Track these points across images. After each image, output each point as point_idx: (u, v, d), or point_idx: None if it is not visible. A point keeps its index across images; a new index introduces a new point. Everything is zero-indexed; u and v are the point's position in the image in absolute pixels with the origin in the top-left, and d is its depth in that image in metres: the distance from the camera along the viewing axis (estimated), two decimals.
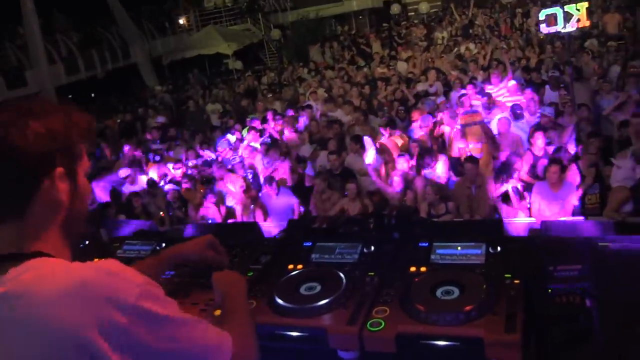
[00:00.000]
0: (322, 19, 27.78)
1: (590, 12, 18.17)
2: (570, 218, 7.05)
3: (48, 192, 1.42)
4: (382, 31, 25.14)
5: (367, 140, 9.68)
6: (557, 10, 9.89)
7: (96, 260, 1.42)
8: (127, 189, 10.64)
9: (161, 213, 9.41)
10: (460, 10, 23.97)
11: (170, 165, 11.10)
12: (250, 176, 10.15)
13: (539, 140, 8.65)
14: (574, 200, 7.45)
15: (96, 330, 1.26)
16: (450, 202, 7.96)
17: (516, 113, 10.33)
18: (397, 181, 8.12)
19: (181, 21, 29.68)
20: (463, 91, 11.96)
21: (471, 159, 8.26)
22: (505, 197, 7.78)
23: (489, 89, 12.03)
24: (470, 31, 20.94)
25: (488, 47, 17.28)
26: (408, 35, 23.17)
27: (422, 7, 26.59)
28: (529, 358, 1.93)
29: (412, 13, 28.53)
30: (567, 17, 9.60)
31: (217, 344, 1.50)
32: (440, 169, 8.98)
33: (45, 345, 1.25)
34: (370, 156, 9.34)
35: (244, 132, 12.49)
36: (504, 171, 8.43)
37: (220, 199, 9.18)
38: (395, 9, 27.78)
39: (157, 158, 11.98)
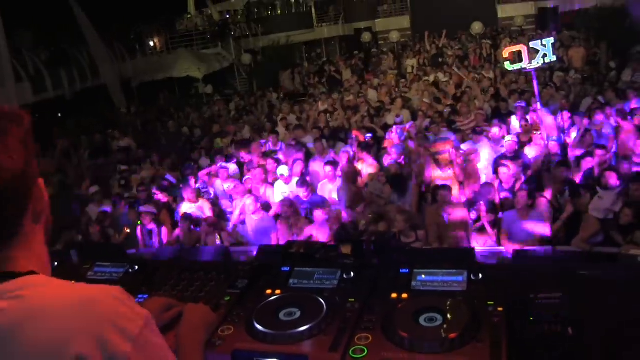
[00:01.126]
0: (293, 45, 27.94)
1: (556, 46, 18.71)
2: (540, 247, 7.10)
3: (37, 201, 1.42)
4: (352, 59, 25.34)
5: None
6: (521, 47, 10.08)
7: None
8: (92, 209, 10.45)
9: (126, 229, 9.29)
10: (431, 40, 24.29)
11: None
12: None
13: (505, 169, 8.74)
14: (543, 229, 7.52)
15: (99, 352, 1.24)
16: (420, 230, 7.98)
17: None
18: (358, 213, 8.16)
19: (152, 43, 29.59)
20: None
21: (444, 186, 8.30)
22: (480, 228, 7.85)
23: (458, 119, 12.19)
24: (440, 60, 21.23)
25: (457, 77, 17.54)
26: (378, 63, 23.39)
27: (392, 36, 26.90)
28: None
29: (382, 42, 28.86)
30: (532, 53, 9.78)
31: None
32: (408, 196, 9.02)
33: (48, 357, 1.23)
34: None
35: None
36: (475, 200, 8.50)
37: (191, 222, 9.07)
38: (366, 37, 28.08)
39: (123, 182, 11.82)
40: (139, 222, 9.28)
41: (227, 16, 33.13)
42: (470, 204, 8.39)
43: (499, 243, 7.67)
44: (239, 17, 32.06)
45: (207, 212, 9.39)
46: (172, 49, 28.29)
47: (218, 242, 8.66)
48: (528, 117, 11.56)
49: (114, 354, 1.25)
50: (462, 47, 23.17)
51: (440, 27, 24.60)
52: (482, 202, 8.16)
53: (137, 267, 2.93)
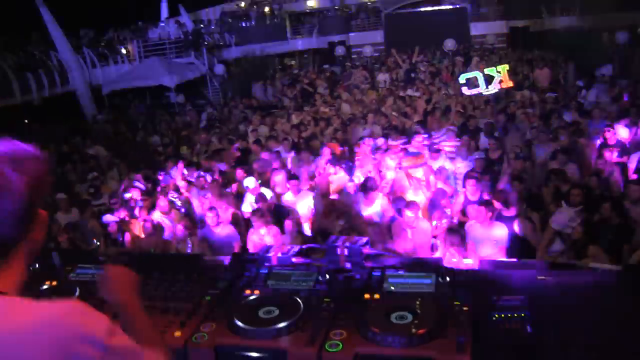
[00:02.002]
0: (266, 57, 28.06)
1: (523, 65, 19.14)
2: (505, 259, 7.28)
3: (36, 231, 1.54)
4: (325, 71, 25.53)
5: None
6: (476, 74, 10.32)
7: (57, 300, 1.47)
8: (59, 217, 10.39)
9: (96, 242, 9.25)
10: (403, 56, 24.59)
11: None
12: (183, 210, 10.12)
13: (471, 186, 8.94)
14: (504, 240, 7.70)
15: None
16: (389, 242, 8.12)
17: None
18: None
19: (124, 50, 29.44)
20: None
21: (412, 204, 8.43)
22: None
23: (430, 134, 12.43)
24: (412, 76, 21.53)
25: (429, 93, 17.82)
26: (351, 77, 23.61)
27: (366, 50, 27.19)
28: None
29: (355, 55, 29.14)
30: (488, 79, 10.02)
31: None
32: (377, 208, 9.15)
33: None
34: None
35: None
36: (434, 208, 8.69)
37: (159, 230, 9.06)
38: (340, 50, 28.31)
39: (92, 190, 11.75)
40: (112, 232, 9.25)
41: (201, 25, 33.16)
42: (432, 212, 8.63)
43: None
44: (213, 27, 32.12)
45: (177, 224, 9.41)
46: (145, 57, 28.19)
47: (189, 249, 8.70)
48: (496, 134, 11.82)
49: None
50: (434, 64, 23.51)
51: (414, 42, 24.87)
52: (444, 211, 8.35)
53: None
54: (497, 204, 8.20)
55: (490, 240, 7.72)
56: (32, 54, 24.13)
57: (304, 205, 9.38)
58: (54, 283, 2.95)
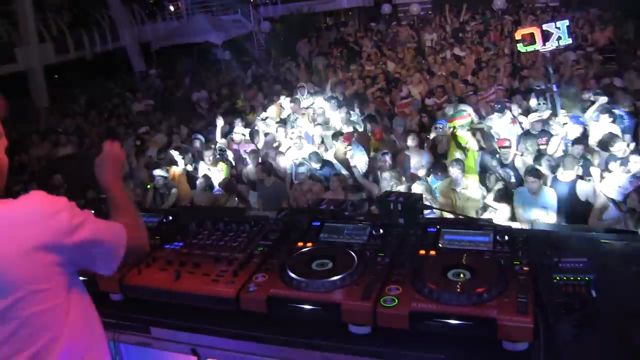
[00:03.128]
0: (312, 14, 27.75)
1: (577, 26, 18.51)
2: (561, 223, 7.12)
3: None
4: (371, 29, 25.13)
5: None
6: (533, 30, 9.95)
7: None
8: None
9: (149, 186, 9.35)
10: (452, 14, 24.03)
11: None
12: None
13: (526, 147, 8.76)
14: (553, 206, 7.52)
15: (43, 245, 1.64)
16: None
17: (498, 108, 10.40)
18: (386, 179, 8.18)
19: (172, 8, 29.49)
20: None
21: (457, 161, 8.29)
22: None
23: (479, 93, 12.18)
24: (460, 35, 21.03)
25: (477, 52, 17.43)
26: (397, 36, 23.20)
27: (412, 9, 26.64)
28: (538, 344, 1.97)
29: (402, 14, 28.61)
30: (546, 36, 9.67)
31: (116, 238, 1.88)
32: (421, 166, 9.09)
33: None
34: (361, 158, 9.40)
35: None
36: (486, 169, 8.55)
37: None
38: (386, 8, 27.82)
39: (138, 142, 11.82)
40: (149, 186, 9.32)
41: None
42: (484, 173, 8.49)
43: (512, 219, 7.69)
44: None
45: (224, 174, 9.45)
46: (191, 14, 28.20)
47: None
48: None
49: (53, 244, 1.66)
50: (482, 22, 22.90)
51: (462, 1, 24.32)
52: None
53: (170, 218, 3.02)
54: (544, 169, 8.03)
55: (538, 206, 7.56)
56: (85, 11, 24.30)
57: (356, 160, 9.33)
58: None
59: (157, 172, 9.34)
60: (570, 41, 10.11)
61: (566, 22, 9.79)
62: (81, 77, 21.43)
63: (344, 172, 9.02)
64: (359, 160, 9.31)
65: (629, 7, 19.14)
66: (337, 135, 9.88)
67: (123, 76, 22.85)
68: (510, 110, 10.55)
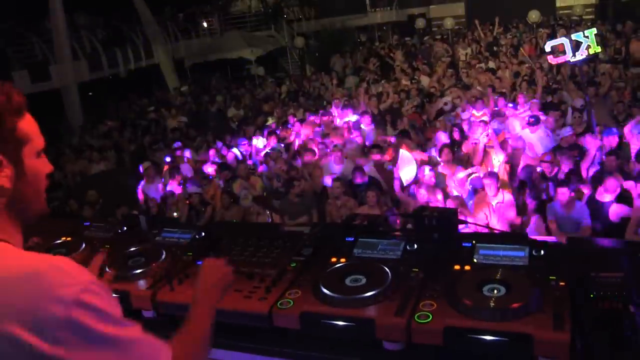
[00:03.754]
0: (345, 29, 27.85)
1: (616, 37, 18.27)
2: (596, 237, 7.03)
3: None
4: (405, 44, 25.13)
5: (405, 154, 9.69)
6: (563, 40, 9.88)
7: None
8: (144, 186, 10.66)
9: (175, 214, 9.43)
10: (486, 27, 23.89)
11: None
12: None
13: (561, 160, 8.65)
14: (586, 221, 7.41)
15: (32, 331, 1.28)
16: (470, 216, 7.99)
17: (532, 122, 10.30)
18: (422, 194, 8.15)
19: (205, 24, 29.86)
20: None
21: (491, 174, 8.24)
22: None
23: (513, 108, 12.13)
24: (495, 49, 20.92)
25: (512, 66, 17.32)
26: (431, 50, 23.16)
27: (447, 23, 26.55)
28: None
29: (436, 28, 28.56)
30: (576, 45, 9.60)
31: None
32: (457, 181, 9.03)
33: None
34: (409, 171, 9.35)
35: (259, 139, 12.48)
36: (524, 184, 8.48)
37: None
38: (420, 23, 27.78)
39: (168, 159, 11.96)
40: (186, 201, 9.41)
41: None
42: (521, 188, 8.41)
43: (547, 232, 7.61)
44: None
45: (257, 189, 9.51)
46: (225, 31, 28.52)
47: (268, 220, 8.77)
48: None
49: (45, 321, 1.29)
50: (516, 36, 22.75)
51: (496, 14, 24.11)
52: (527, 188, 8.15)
53: (203, 234, 3.04)
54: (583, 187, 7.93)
55: (571, 221, 7.47)
56: (119, 29, 24.74)
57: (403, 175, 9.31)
58: (140, 246, 2.99)
59: (192, 188, 9.44)
60: (599, 49, 10.02)
61: (594, 30, 9.72)
62: (115, 95, 21.82)
63: (383, 186, 9.03)
64: (408, 172, 9.26)
65: None
66: (375, 148, 9.85)
67: (157, 93, 23.18)
68: (545, 125, 10.46)
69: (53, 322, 1.29)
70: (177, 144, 12.98)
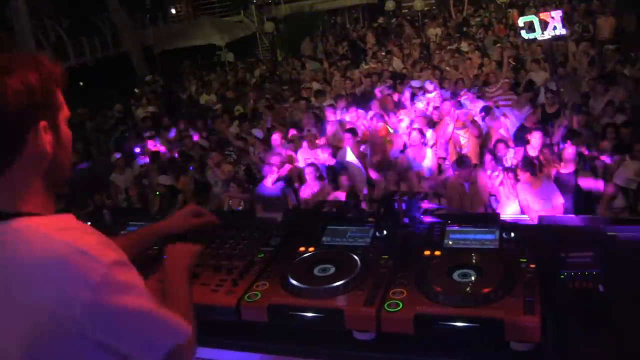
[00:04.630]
0: (315, 13, 27.67)
1: (584, 15, 18.39)
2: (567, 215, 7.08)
3: (32, 146, 1.47)
4: (376, 27, 25.04)
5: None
6: (533, 17, 10.01)
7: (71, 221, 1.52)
8: (115, 177, 10.56)
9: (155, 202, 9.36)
10: (456, 9, 23.93)
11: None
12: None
13: (535, 139, 8.68)
14: (556, 198, 7.48)
15: (62, 307, 1.36)
16: (443, 198, 8.01)
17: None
18: (392, 175, 8.16)
19: (173, 10, 29.49)
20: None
21: (461, 160, 8.24)
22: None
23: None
24: (465, 29, 20.94)
25: (482, 46, 17.39)
26: (401, 32, 23.11)
27: (416, 5, 26.48)
28: (546, 342, 1.93)
29: (406, 10, 28.49)
30: (543, 24, 9.71)
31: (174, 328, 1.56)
32: (428, 162, 9.03)
33: (21, 314, 1.38)
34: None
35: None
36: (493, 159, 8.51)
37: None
38: (389, 5, 27.68)
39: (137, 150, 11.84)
40: (157, 193, 9.31)
41: None
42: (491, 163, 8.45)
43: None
44: None
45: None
46: (194, 17, 28.22)
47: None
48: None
49: (73, 306, 1.35)
50: (487, 16, 22.78)
51: None
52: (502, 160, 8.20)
53: None
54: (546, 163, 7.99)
55: (541, 200, 7.52)
56: (85, 17, 24.32)
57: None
58: None
59: (163, 179, 9.33)
60: (564, 31, 10.17)
61: (559, 13, 9.86)
62: (83, 84, 21.45)
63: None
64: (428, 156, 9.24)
65: None
66: (350, 131, 9.78)
67: (126, 81, 22.88)
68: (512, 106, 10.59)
69: (81, 306, 1.36)
70: (147, 133, 12.79)
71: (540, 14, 9.91)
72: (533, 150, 8.53)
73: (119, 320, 1.42)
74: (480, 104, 10.84)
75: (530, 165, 7.58)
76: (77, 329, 1.37)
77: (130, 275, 1.48)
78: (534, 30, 9.88)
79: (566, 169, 7.81)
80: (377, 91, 12.86)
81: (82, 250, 1.40)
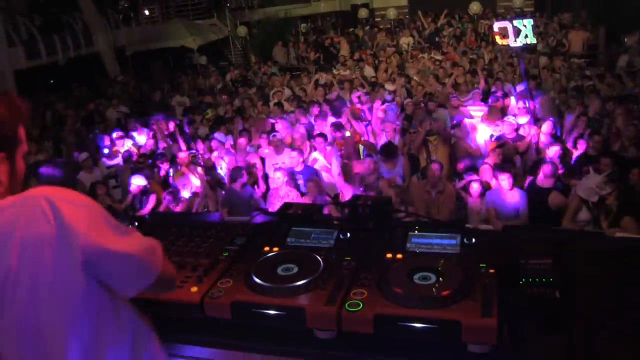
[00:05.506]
0: (289, 18, 27.69)
1: (559, 28, 18.69)
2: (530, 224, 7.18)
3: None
4: (348, 34, 25.15)
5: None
6: (507, 24, 10.14)
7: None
8: (82, 176, 10.45)
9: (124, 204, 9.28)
10: (428, 19, 24.12)
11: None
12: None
13: (496, 152, 8.82)
14: (523, 209, 7.59)
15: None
16: (411, 206, 8.06)
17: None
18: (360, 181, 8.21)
19: (147, 12, 29.28)
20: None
21: (434, 165, 8.32)
22: (465, 187, 7.98)
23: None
24: (437, 39, 21.13)
25: (453, 56, 17.55)
26: (374, 40, 23.23)
27: (389, 13, 26.69)
28: (502, 346, 1.97)
29: (379, 19, 28.66)
30: (516, 32, 9.84)
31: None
32: (399, 170, 9.10)
33: None
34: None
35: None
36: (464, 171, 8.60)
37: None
38: (362, 13, 27.84)
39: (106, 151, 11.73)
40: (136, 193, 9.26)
41: None
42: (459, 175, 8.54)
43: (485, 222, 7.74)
44: None
45: (197, 181, 9.39)
46: (167, 19, 28.04)
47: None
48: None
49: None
50: (459, 27, 23.01)
51: (439, 5, 24.43)
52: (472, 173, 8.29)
53: (136, 224, 2.97)
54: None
55: (508, 208, 7.63)
56: (57, 15, 24.00)
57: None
58: None
59: (135, 179, 9.25)
60: (534, 40, 10.31)
61: (531, 21, 10.00)
62: (54, 83, 21.15)
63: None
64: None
65: (599, 13, 19.41)
66: (321, 137, 9.81)
67: (97, 81, 22.63)
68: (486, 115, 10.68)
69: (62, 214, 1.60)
70: (117, 132, 12.66)
71: (514, 21, 10.03)
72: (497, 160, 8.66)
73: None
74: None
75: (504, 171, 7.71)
76: None
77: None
78: (507, 37, 10.00)
79: (543, 182, 7.89)
80: (354, 97, 12.92)
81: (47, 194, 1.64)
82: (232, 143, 11.12)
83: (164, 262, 1.86)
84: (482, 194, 7.85)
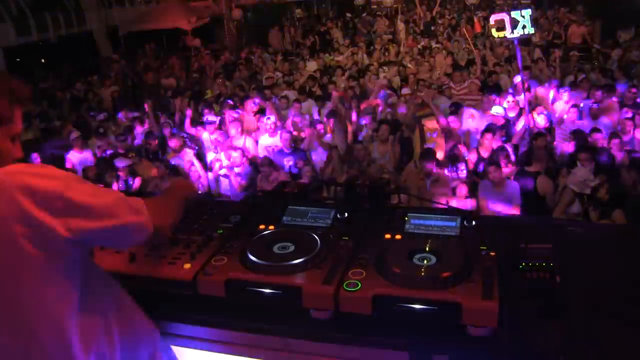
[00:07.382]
0: (284, 3, 27.50)
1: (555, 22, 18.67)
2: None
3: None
4: (344, 20, 25.03)
5: None
6: (504, 16, 10.05)
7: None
8: (73, 155, 10.36)
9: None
10: (425, 7, 24.02)
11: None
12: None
13: (487, 140, 8.76)
14: (515, 202, 7.57)
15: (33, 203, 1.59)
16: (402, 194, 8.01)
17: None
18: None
19: None
20: None
21: (427, 152, 8.27)
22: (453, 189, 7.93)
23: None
24: (432, 29, 21.06)
25: (448, 46, 17.49)
26: (369, 26, 23.14)
27: (386, 0, 26.58)
28: (502, 331, 1.93)
29: (375, 6, 28.49)
30: (514, 23, 9.77)
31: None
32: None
33: None
34: None
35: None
36: (451, 162, 8.54)
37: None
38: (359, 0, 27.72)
39: (101, 130, 11.60)
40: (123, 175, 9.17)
41: None
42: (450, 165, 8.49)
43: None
44: None
45: (191, 160, 9.30)
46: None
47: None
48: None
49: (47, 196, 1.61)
50: (454, 17, 22.95)
51: None
52: (460, 165, 8.23)
53: None
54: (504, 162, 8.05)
55: (501, 199, 7.60)
56: None
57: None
58: None
59: (120, 160, 9.18)
60: (533, 31, 10.21)
61: (529, 11, 9.90)
62: (45, 61, 20.93)
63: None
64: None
65: (595, 6, 19.40)
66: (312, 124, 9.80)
67: (89, 61, 22.42)
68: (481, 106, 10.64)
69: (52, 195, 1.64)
70: (101, 115, 12.57)
71: (512, 12, 9.94)
72: (484, 151, 8.62)
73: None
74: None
75: (497, 163, 7.68)
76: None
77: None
78: (504, 29, 9.92)
79: (532, 168, 7.89)
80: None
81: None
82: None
83: (152, 216, 1.90)
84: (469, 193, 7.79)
